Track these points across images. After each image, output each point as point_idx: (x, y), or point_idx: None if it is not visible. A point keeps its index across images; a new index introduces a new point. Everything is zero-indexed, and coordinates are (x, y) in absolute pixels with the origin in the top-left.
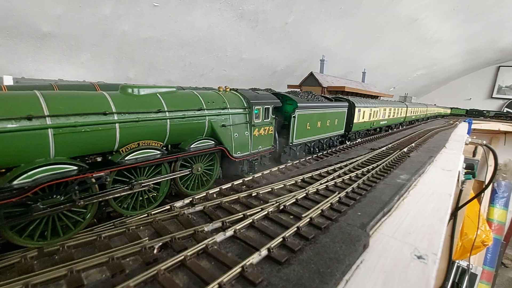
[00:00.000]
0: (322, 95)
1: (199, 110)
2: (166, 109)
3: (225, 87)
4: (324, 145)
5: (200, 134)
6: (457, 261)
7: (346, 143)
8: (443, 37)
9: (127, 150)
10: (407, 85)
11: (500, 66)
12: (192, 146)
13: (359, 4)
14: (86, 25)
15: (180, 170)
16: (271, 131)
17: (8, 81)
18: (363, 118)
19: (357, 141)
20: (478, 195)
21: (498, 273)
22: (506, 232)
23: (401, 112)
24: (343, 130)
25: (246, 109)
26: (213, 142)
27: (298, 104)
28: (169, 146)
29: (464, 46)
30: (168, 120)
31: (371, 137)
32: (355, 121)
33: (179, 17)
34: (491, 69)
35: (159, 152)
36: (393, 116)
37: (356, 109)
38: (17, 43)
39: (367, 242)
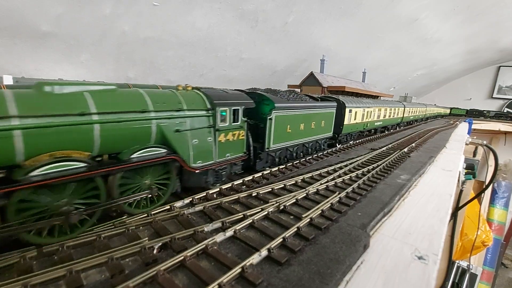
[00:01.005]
0: (308, 94)
1: (142, 112)
2: (94, 111)
3: (185, 85)
4: (310, 149)
5: (146, 141)
6: (457, 261)
7: (336, 146)
8: (443, 37)
9: (33, 164)
10: (407, 85)
11: (500, 66)
12: (134, 156)
13: (359, 4)
14: (86, 24)
15: (122, 186)
16: (243, 135)
17: (8, 80)
18: (355, 119)
19: (349, 144)
20: (478, 195)
21: (498, 274)
22: (506, 233)
23: (398, 112)
24: (332, 133)
25: (209, 111)
26: (165, 151)
27: (275, 105)
28: (106, 156)
29: (464, 46)
30: (97, 125)
31: (371, 137)
32: (345, 122)
33: (179, 17)
34: (491, 69)
35: (83, 164)
36: (390, 116)
37: (347, 110)
38: (17, 43)
39: (368, 242)
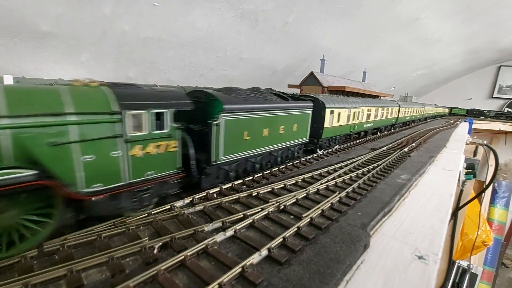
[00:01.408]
0: (277, 92)
1: None
2: None
3: (86, 79)
4: (280, 158)
5: None
6: (457, 261)
7: (318, 152)
8: (443, 37)
9: None
10: (407, 85)
11: (500, 66)
12: None
13: (359, 4)
14: (86, 24)
15: None
16: (174, 147)
17: (8, 80)
18: (338, 121)
19: (335, 149)
20: (478, 195)
21: (498, 273)
22: (506, 232)
23: (392, 112)
24: (308, 138)
25: (114, 115)
26: (31, 173)
27: (224, 106)
28: None
29: (464, 46)
30: None
31: (371, 137)
32: (326, 125)
33: (179, 16)
34: (491, 68)
35: None
36: (382, 117)
37: (327, 110)
38: (17, 43)
39: (368, 242)
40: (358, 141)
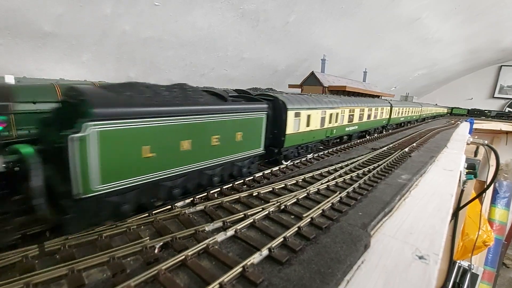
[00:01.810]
0: (210, 89)
1: None
2: None
3: None
4: (218, 178)
5: None
6: (458, 261)
7: (282, 163)
8: (444, 37)
9: None
10: (408, 85)
11: (502, 65)
12: None
13: (360, 4)
14: (87, 24)
15: None
16: None
17: (9, 80)
18: (307, 126)
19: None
20: (479, 195)
21: (499, 274)
22: (507, 232)
23: (382, 113)
24: (263, 148)
25: None
26: None
27: (93, 111)
28: None
29: (465, 46)
30: None
31: (372, 137)
32: (289, 131)
33: (179, 16)
34: (492, 68)
35: None
36: (370, 118)
37: (290, 113)
38: (18, 43)
39: (368, 242)
40: (358, 141)
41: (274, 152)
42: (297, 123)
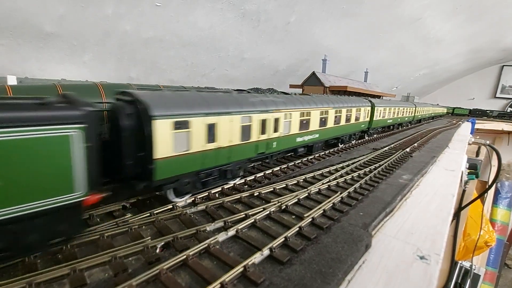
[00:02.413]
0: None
1: None
2: None
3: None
4: None
5: None
6: (460, 261)
7: (172, 200)
8: (446, 36)
9: None
10: (409, 85)
11: (503, 65)
12: None
13: (361, 4)
14: (89, 25)
15: None
16: None
17: (11, 81)
18: (211, 142)
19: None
20: (481, 196)
21: (501, 274)
22: (509, 233)
23: (360, 115)
24: (78, 191)
25: None
26: None
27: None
28: None
29: (467, 45)
30: None
31: (374, 137)
32: (164, 153)
33: (180, 17)
34: (494, 68)
35: None
36: (341, 123)
37: (159, 124)
38: (20, 43)
39: (369, 242)
40: (360, 141)
41: (139, 185)
42: (184, 139)
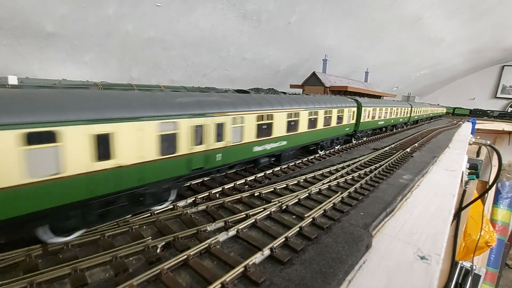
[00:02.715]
0: None
1: None
2: None
3: None
4: None
5: None
6: (460, 262)
7: None
8: (447, 36)
9: None
10: (410, 85)
11: (504, 65)
12: None
13: (362, 4)
14: (90, 25)
15: None
16: None
17: (12, 81)
18: (99, 160)
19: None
20: (481, 196)
21: (502, 274)
22: (510, 233)
23: (343, 116)
24: None
25: None
26: None
27: None
28: None
29: (468, 45)
30: None
31: (374, 137)
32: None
33: (182, 17)
34: (495, 68)
35: None
36: (317, 126)
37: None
38: (22, 43)
39: (370, 242)
40: (360, 141)
41: None
42: (49, 158)
